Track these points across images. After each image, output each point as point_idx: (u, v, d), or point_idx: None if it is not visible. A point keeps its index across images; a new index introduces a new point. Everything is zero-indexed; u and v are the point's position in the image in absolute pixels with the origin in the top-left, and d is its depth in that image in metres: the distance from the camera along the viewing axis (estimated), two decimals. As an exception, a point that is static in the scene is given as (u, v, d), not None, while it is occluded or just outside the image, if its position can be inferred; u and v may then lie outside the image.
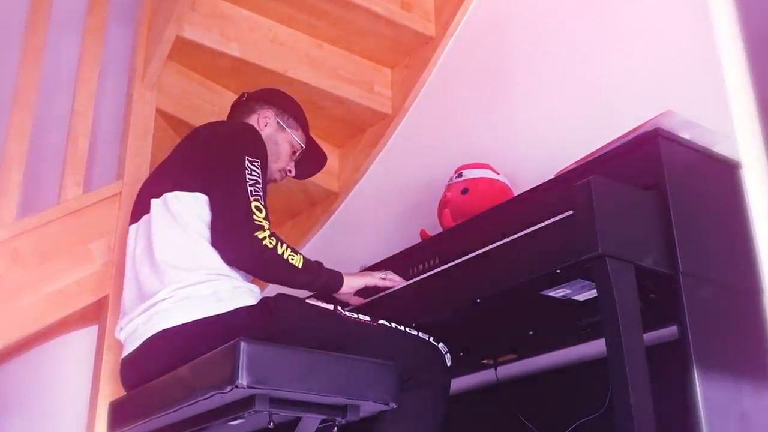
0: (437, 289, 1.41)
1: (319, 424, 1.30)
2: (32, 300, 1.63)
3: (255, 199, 1.37)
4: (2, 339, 1.58)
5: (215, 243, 1.38)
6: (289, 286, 1.46)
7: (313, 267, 1.43)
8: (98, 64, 1.93)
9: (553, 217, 1.20)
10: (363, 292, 1.53)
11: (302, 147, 1.73)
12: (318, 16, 2.12)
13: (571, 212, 1.17)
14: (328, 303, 1.45)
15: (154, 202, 1.47)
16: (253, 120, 1.68)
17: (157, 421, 1.33)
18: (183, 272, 1.37)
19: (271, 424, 1.22)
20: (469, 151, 1.96)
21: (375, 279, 1.50)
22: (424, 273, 1.45)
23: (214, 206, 1.40)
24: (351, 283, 1.49)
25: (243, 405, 1.20)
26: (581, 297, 1.31)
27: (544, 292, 1.29)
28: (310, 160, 1.79)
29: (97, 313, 1.77)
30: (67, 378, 1.86)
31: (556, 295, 1.31)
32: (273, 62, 2.11)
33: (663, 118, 1.29)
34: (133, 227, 1.53)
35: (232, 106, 1.75)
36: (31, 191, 1.88)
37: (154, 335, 1.36)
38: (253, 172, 1.40)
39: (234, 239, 1.36)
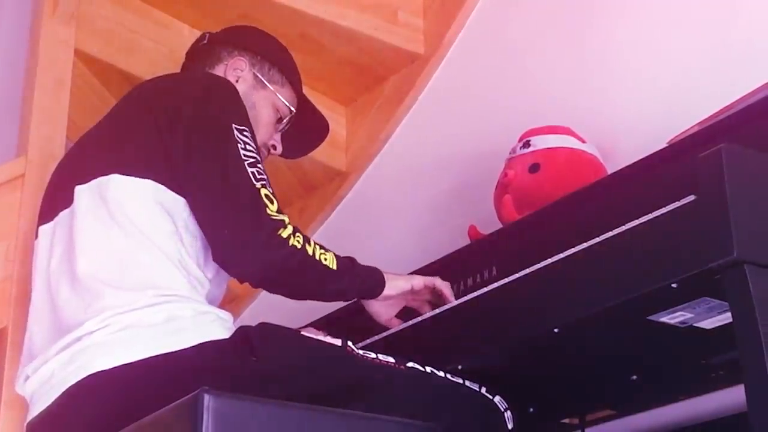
0: (494, 314, 1.43)
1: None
2: None
3: (262, 185, 1.39)
4: None
5: (220, 258, 1.41)
6: (321, 298, 1.53)
7: (348, 266, 1.47)
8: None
9: (665, 206, 1.21)
10: (401, 314, 1.61)
11: (291, 111, 1.74)
12: None
13: (692, 198, 1.17)
14: (335, 337, 1.49)
15: (79, 190, 1.46)
16: (218, 73, 1.71)
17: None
18: (123, 293, 1.37)
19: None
20: (540, 109, 2.02)
21: (426, 279, 1.54)
22: (475, 291, 1.48)
23: (202, 204, 1.42)
24: (395, 284, 1.53)
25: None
26: (708, 324, 1.32)
27: (652, 318, 1.30)
28: (303, 130, 1.82)
29: None
30: None
31: (671, 322, 1.32)
32: None
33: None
34: (45, 229, 1.53)
35: (187, 54, 1.78)
36: None
37: (79, 382, 1.33)
38: (247, 147, 1.41)
39: (252, 247, 1.37)
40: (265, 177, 1.43)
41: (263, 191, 1.39)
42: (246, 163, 1.40)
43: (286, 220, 1.40)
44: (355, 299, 1.58)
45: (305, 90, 1.88)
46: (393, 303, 1.59)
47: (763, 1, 1.77)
